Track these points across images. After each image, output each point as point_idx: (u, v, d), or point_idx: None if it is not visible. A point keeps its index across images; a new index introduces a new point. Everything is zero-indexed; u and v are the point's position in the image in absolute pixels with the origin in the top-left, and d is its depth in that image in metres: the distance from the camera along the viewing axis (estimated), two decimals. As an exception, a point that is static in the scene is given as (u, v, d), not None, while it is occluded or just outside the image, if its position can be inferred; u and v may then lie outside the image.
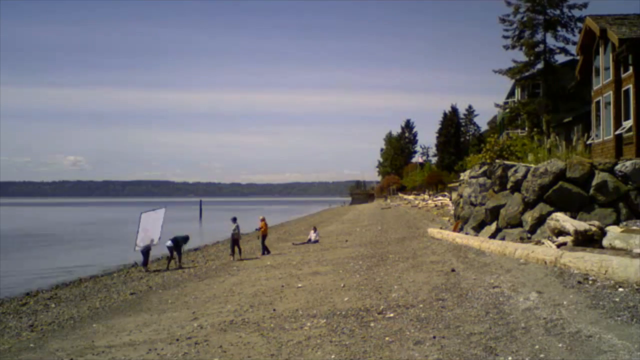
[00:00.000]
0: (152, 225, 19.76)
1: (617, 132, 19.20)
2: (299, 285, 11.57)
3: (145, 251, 19.28)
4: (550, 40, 36.66)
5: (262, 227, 20.85)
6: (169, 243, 19.15)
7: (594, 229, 10.70)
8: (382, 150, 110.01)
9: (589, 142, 22.06)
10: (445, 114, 79.47)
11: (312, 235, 23.52)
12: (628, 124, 18.68)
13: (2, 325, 11.50)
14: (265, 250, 20.30)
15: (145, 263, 19.29)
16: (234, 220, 19.99)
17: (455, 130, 78.34)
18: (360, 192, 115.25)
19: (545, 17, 35.80)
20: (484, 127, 73.35)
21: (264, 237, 20.64)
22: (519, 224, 14.05)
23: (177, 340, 7.85)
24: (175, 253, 19.32)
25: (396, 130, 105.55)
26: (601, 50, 20.92)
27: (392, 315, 7.59)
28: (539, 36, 36.43)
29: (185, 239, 19.73)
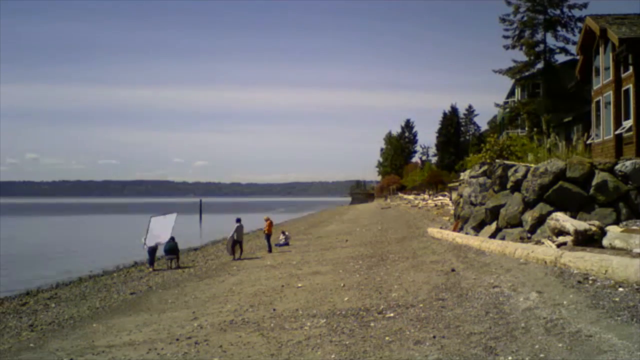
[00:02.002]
0: (162, 230, 19.88)
1: (617, 131, 19.19)
2: (299, 285, 11.58)
3: (152, 250, 19.38)
4: (550, 40, 36.79)
5: (267, 227, 21.26)
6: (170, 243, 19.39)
7: (594, 228, 10.69)
8: (382, 150, 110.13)
9: (589, 141, 22.06)
10: (445, 114, 79.56)
11: (281, 238, 22.99)
12: (628, 123, 18.67)
13: (2, 325, 11.50)
14: (269, 248, 20.69)
15: (151, 262, 19.38)
16: (238, 220, 20.17)
17: (455, 130, 78.44)
18: (360, 192, 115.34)
19: (545, 16, 35.90)
20: (484, 126, 73.48)
21: (268, 235, 20.98)
22: (519, 224, 14.04)
23: (177, 340, 7.85)
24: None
25: (396, 130, 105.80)
26: (601, 50, 20.92)
27: (392, 315, 7.59)
28: (539, 36, 36.56)
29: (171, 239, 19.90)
